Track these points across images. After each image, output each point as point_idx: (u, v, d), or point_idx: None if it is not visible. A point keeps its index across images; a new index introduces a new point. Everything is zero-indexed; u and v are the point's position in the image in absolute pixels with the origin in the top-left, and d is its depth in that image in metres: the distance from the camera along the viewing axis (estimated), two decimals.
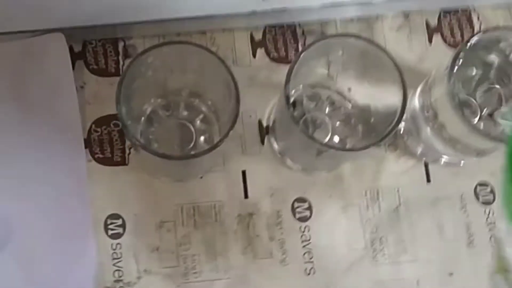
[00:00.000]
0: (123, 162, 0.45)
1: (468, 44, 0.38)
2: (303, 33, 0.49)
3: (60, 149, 0.44)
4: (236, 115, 0.36)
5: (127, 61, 0.46)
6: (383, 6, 0.48)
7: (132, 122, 0.42)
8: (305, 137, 0.37)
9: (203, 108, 0.45)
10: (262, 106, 0.47)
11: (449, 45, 0.49)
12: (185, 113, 0.45)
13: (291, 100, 0.42)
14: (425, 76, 0.47)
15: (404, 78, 0.39)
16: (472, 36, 0.38)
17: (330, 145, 0.40)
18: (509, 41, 0.41)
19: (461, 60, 0.38)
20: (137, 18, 0.46)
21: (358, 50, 0.40)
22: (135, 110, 0.43)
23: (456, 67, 0.38)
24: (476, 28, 0.49)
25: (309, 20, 0.48)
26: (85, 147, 0.45)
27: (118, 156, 0.45)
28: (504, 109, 0.43)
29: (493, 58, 0.42)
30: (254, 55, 0.48)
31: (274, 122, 0.45)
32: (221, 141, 0.36)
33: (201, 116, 0.45)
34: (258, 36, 0.48)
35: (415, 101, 0.45)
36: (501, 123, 0.44)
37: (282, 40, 0.48)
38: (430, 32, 0.49)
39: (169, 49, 0.37)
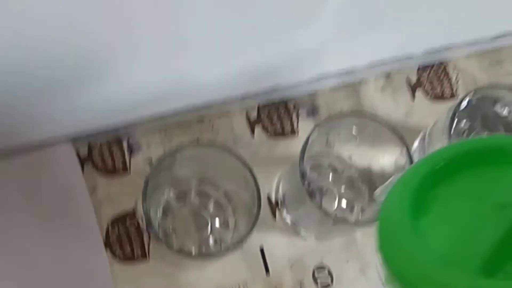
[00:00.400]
0: (144, 256, 0.46)
1: (462, 104, 0.41)
2: (294, 106, 0.51)
3: (81, 254, 0.45)
4: (257, 218, 0.38)
5: (134, 159, 0.48)
6: (365, 70, 0.51)
7: (151, 217, 0.43)
8: (322, 213, 0.39)
9: (214, 193, 0.47)
10: (268, 181, 0.49)
11: (432, 98, 0.52)
12: (197, 200, 0.47)
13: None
14: (413, 131, 0.50)
15: (405, 140, 0.42)
16: (464, 97, 0.41)
17: (347, 220, 0.41)
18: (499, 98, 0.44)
19: (456, 119, 0.41)
20: (137, 116, 0.47)
21: (355, 122, 0.43)
22: (152, 205, 0.44)
23: (454, 126, 0.40)
24: (454, 79, 0.53)
25: (299, 94, 0.51)
26: (105, 248, 0.46)
27: (138, 251, 0.46)
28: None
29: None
30: (252, 133, 0.50)
31: (284, 196, 0.47)
32: (242, 240, 0.38)
33: (213, 201, 0.47)
34: (253, 114, 0.51)
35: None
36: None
37: (276, 115, 0.51)
38: (412, 89, 0.52)
39: (189, 151, 0.39)
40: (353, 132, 0.45)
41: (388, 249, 0.28)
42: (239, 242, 0.38)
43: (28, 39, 0.36)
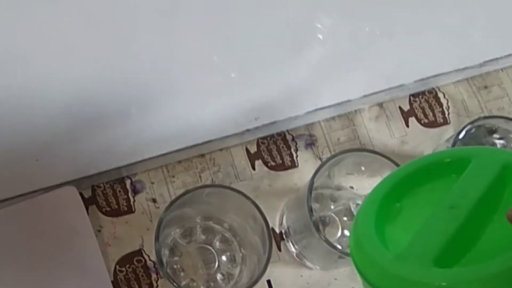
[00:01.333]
0: None
1: (461, 134, 0.42)
2: (293, 138, 0.52)
3: None
4: (268, 260, 0.38)
5: (138, 198, 0.48)
6: (358, 101, 0.52)
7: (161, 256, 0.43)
8: (329, 246, 0.40)
9: (219, 229, 0.47)
10: (271, 213, 0.49)
11: (424, 125, 0.53)
12: (203, 237, 0.47)
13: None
14: (409, 157, 0.51)
15: None
16: (464, 127, 0.42)
17: None
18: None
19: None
20: (140, 158, 0.48)
21: (355, 156, 0.44)
22: (161, 245, 0.44)
23: None
24: (445, 105, 0.54)
25: (296, 127, 0.52)
26: None
27: None
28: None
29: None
30: (253, 167, 0.51)
31: (289, 228, 0.47)
32: (256, 281, 0.38)
33: (219, 236, 0.47)
34: (253, 148, 0.51)
35: None
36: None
37: (275, 148, 0.51)
38: (405, 117, 0.54)
39: (200, 192, 0.40)
40: (353, 164, 0.45)
41: (357, 256, 0.30)
42: (253, 283, 0.38)
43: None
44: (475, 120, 0.44)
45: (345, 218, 0.48)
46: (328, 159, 0.41)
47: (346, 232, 0.48)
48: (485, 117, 0.45)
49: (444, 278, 0.26)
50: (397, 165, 0.43)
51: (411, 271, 0.27)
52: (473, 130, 0.44)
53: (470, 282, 0.25)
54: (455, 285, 0.25)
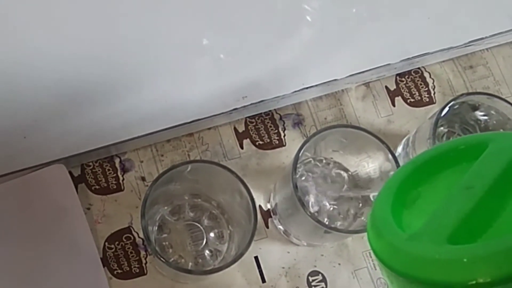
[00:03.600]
0: (142, 272, 0.46)
1: (444, 110, 0.42)
2: (280, 118, 0.51)
3: (79, 273, 0.45)
4: (253, 233, 0.38)
5: (127, 176, 0.48)
6: (345, 80, 0.52)
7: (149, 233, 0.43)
8: (315, 222, 0.39)
9: (208, 206, 0.47)
10: (259, 191, 0.49)
11: (410, 104, 0.53)
12: (191, 214, 0.46)
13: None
14: (395, 136, 0.51)
15: (389, 146, 0.42)
16: (446, 105, 0.42)
17: (339, 229, 0.42)
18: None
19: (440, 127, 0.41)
20: (129, 136, 0.47)
21: (340, 132, 0.43)
22: (148, 221, 0.44)
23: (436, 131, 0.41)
24: (431, 85, 0.54)
25: (283, 106, 0.51)
26: (103, 266, 0.45)
27: (136, 267, 0.46)
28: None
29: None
30: (241, 146, 0.50)
31: (276, 205, 0.47)
32: (241, 255, 0.38)
33: (207, 214, 0.46)
34: (241, 128, 0.51)
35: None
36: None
37: (263, 127, 0.51)
38: (392, 96, 0.53)
39: (183, 168, 0.39)
40: (339, 141, 0.45)
41: (373, 239, 0.30)
42: (238, 256, 0.38)
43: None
44: (458, 97, 0.43)
45: (331, 195, 0.48)
46: (314, 135, 0.40)
47: (333, 209, 0.47)
48: (468, 93, 0.44)
49: (456, 254, 0.25)
50: (382, 141, 0.43)
51: (423, 248, 0.27)
52: (456, 106, 0.44)
53: (482, 257, 0.24)
54: (468, 260, 0.25)
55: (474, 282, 0.24)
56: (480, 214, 0.28)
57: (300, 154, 0.39)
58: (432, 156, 0.33)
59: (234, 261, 0.38)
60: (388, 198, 0.32)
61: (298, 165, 0.48)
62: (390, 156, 0.43)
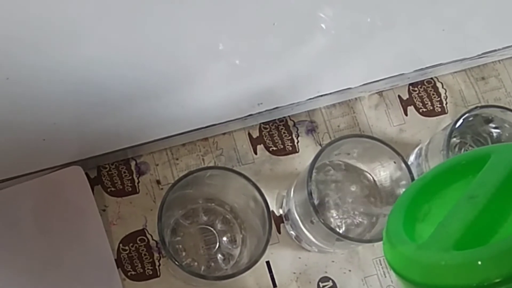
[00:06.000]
0: (155, 275, 0.45)
1: (458, 122, 0.41)
2: (294, 124, 0.51)
3: (93, 274, 0.44)
4: (267, 242, 0.38)
5: (142, 179, 0.47)
6: (359, 89, 0.51)
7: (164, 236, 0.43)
8: (327, 229, 0.39)
9: (221, 210, 0.46)
10: (271, 197, 0.48)
11: (422, 114, 0.53)
12: (205, 218, 0.46)
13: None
14: (407, 145, 0.50)
15: (402, 156, 0.42)
16: (460, 117, 0.41)
17: (350, 238, 0.41)
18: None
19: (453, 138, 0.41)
20: (145, 140, 0.47)
21: (354, 142, 0.43)
22: (163, 225, 0.44)
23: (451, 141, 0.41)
24: (443, 95, 0.53)
25: (297, 113, 0.51)
26: (117, 267, 0.45)
27: (149, 269, 0.45)
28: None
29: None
30: (255, 152, 0.50)
31: (289, 211, 0.46)
32: (255, 262, 0.37)
33: (220, 218, 0.46)
34: (255, 133, 0.50)
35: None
36: None
37: (277, 134, 0.51)
38: (404, 105, 0.53)
39: (203, 173, 0.39)
40: (352, 150, 0.45)
41: (387, 251, 0.31)
42: (252, 263, 0.38)
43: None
44: (472, 109, 0.43)
45: (344, 203, 0.47)
46: (329, 144, 0.40)
47: (345, 216, 0.47)
48: (482, 106, 0.44)
49: (460, 258, 0.26)
50: (396, 151, 0.42)
51: (431, 256, 0.27)
52: (470, 119, 0.44)
53: (485, 259, 0.25)
54: (471, 263, 0.25)
55: (477, 284, 0.25)
56: (484, 221, 0.28)
57: (315, 163, 0.39)
58: (440, 172, 0.34)
59: (248, 268, 0.38)
60: (400, 213, 0.32)
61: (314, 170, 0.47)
62: (403, 165, 0.42)
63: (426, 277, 0.27)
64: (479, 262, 0.25)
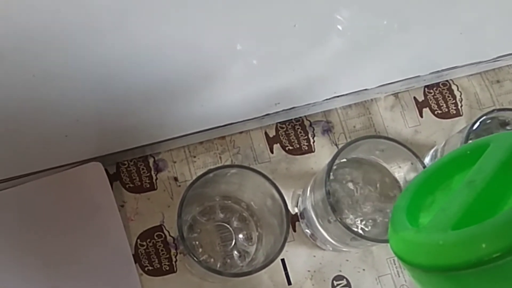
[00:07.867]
0: (172, 270, 0.45)
1: (475, 125, 0.41)
2: (310, 124, 0.51)
3: (111, 268, 0.45)
4: (285, 240, 0.38)
5: (160, 176, 0.48)
6: (375, 90, 0.51)
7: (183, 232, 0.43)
8: (344, 228, 0.39)
9: (238, 208, 0.46)
10: (288, 196, 0.48)
11: (438, 116, 0.52)
12: (221, 215, 0.46)
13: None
14: (422, 146, 0.50)
15: (418, 156, 0.42)
16: (478, 119, 0.41)
17: (366, 237, 0.41)
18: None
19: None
20: (164, 137, 0.47)
21: (371, 143, 0.43)
22: (182, 221, 0.44)
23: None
24: (458, 97, 0.53)
25: (314, 113, 0.51)
26: (135, 262, 0.45)
27: (166, 265, 0.46)
28: None
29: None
30: (271, 151, 0.50)
31: (304, 209, 0.46)
32: (271, 260, 0.37)
33: (236, 215, 0.46)
34: (271, 132, 0.50)
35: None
36: None
37: (293, 133, 0.51)
38: (420, 107, 0.53)
39: (220, 172, 0.39)
40: (369, 151, 0.45)
41: (391, 238, 0.31)
42: (268, 262, 0.38)
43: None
44: (489, 112, 0.43)
45: (360, 203, 0.47)
46: (348, 144, 0.40)
47: (362, 216, 0.47)
48: (499, 109, 0.44)
49: (457, 236, 0.26)
50: (413, 153, 0.42)
51: (429, 237, 0.28)
52: (488, 121, 0.43)
53: (480, 235, 0.25)
54: (468, 240, 0.25)
55: (476, 259, 0.25)
56: (482, 204, 0.28)
57: (334, 163, 0.39)
58: (443, 164, 0.34)
59: (265, 265, 0.38)
60: (403, 203, 0.33)
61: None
62: (419, 165, 0.42)
63: (427, 259, 0.27)
64: (476, 238, 0.25)
